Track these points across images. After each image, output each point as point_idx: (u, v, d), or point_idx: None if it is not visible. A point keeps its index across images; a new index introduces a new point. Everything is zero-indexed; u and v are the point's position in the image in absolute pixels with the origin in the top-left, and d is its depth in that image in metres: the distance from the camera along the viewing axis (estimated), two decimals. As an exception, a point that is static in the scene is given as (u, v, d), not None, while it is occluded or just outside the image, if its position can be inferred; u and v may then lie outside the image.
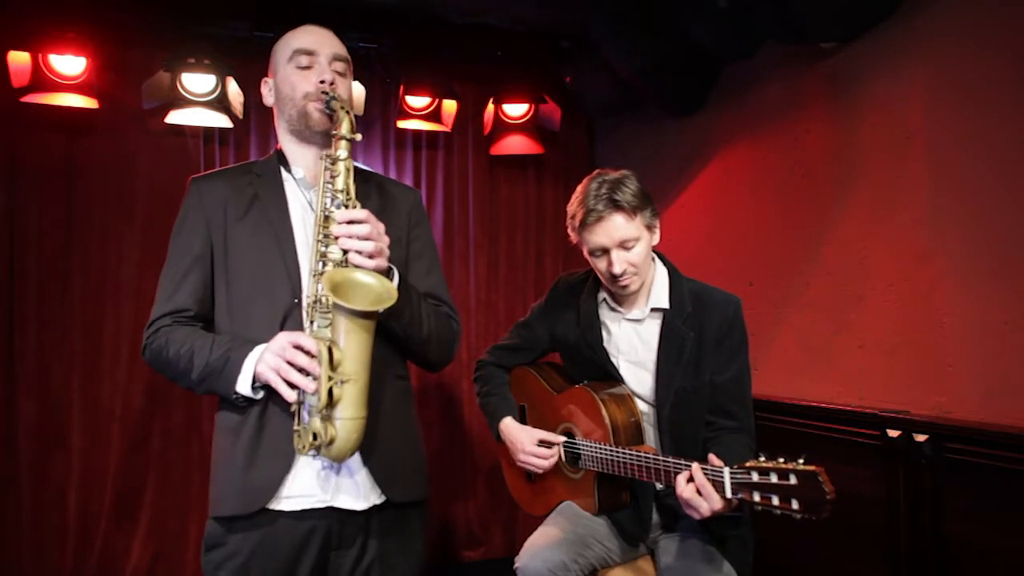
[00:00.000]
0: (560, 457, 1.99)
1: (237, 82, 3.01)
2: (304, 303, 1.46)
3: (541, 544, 1.88)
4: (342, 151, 1.44)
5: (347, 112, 1.44)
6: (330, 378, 1.30)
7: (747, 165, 2.94)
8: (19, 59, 2.79)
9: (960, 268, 2.09)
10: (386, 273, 1.44)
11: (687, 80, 3.08)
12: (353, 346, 1.33)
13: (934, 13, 2.17)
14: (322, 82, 1.50)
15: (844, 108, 2.48)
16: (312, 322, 1.40)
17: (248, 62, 3.06)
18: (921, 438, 2.11)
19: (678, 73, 3.03)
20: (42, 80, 2.82)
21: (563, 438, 1.99)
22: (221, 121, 3.01)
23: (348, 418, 1.33)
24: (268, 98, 1.61)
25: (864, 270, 2.39)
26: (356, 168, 1.59)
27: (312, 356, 1.34)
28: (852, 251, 2.44)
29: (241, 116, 3.08)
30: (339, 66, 1.55)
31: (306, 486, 1.45)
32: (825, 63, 2.54)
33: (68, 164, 3.06)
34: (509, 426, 2.07)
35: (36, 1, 2.83)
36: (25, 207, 3.00)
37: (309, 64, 1.52)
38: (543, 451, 1.97)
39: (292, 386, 1.36)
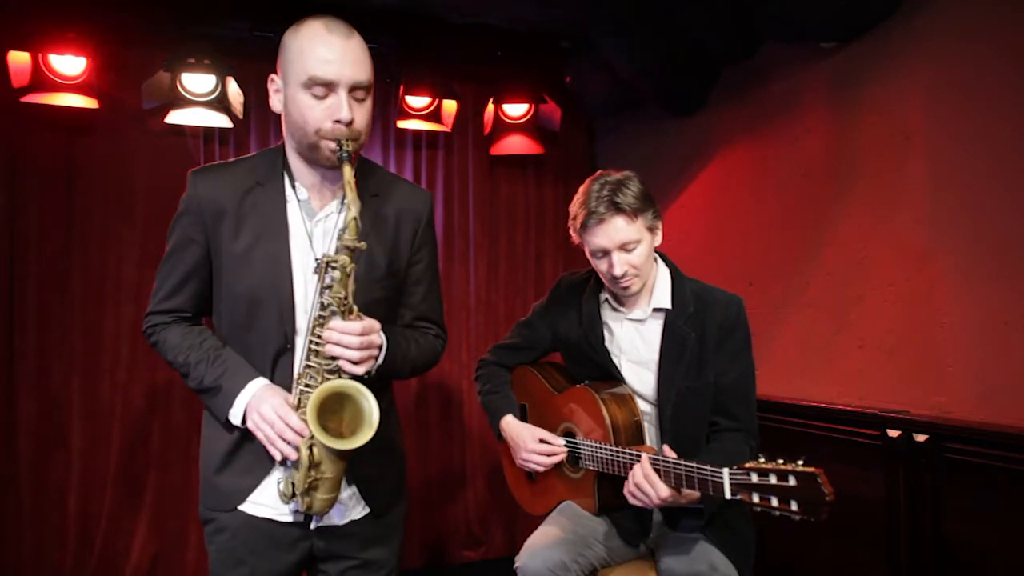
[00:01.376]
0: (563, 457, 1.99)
1: (237, 82, 3.01)
2: (297, 352, 1.46)
3: (541, 544, 1.88)
4: (344, 258, 1.36)
5: (355, 219, 1.35)
6: (309, 475, 1.37)
7: (747, 165, 2.94)
8: (19, 59, 2.79)
9: (960, 268, 2.10)
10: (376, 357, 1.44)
11: (687, 80, 3.08)
12: (333, 457, 1.39)
13: (934, 13, 2.18)
14: (337, 122, 1.37)
15: (844, 108, 2.48)
16: (300, 385, 1.41)
17: (248, 62, 3.06)
18: (921, 438, 2.11)
19: (678, 73, 3.03)
20: (42, 80, 2.81)
21: (564, 439, 1.99)
22: (221, 121, 3.00)
23: (324, 499, 1.41)
24: (275, 102, 1.46)
25: (864, 270, 2.39)
26: (366, 171, 1.56)
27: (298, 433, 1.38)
28: (852, 251, 2.44)
29: (241, 116, 3.07)
30: (359, 93, 1.41)
31: (277, 502, 1.47)
32: (825, 63, 2.54)
33: (68, 164, 3.05)
34: (511, 424, 2.07)
35: (36, 1, 2.83)
36: (25, 207, 3.00)
37: (325, 95, 1.38)
38: (544, 449, 1.97)
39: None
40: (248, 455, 1.48)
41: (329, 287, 1.38)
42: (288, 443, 1.37)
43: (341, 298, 1.36)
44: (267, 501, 1.48)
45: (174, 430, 3.17)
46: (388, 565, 1.60)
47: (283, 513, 1.48)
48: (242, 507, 1.48)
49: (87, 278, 3.09)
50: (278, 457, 1.40)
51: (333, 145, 1.38)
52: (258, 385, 1.44)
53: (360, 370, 1.38)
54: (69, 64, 2.83)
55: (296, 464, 1.38)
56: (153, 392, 3.15)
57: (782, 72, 2.73)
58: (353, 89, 1.39)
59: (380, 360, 1.44)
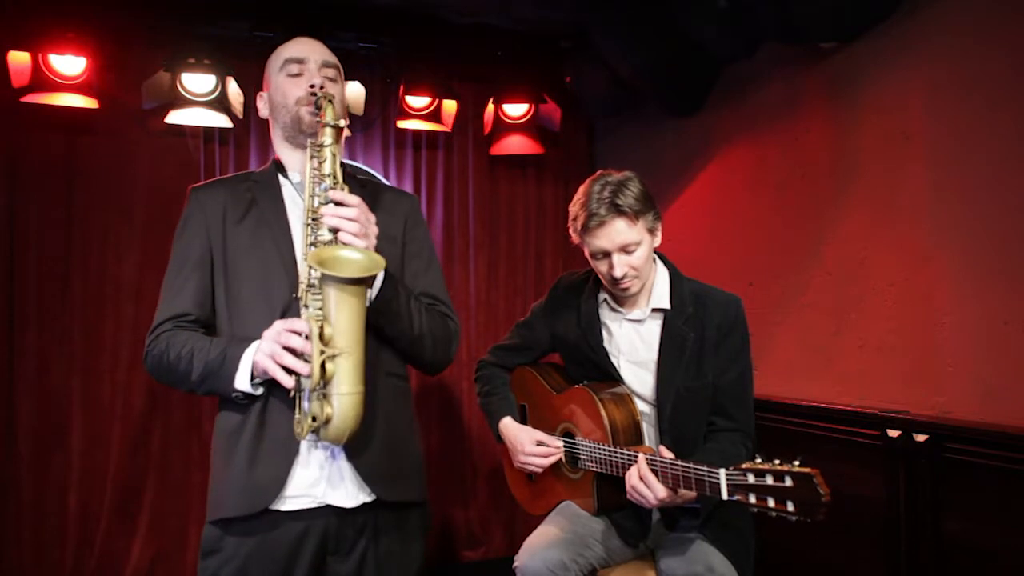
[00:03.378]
0: (560, 457, 1.99)
1: (237, 82, 3.01)
2: (300, 289, 1.45)
3: (541, 543, 1.88)
4: (327, 138, 1.45)
5: (330, 101, 1.46)
6: (322, 352, 1.30)
7: (747, 165, 2.94)
8: (19, 59, 2.79)
9: (960, 268, 2.09)
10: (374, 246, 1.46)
11: (687, 80, 3.08)
12: (344, 319, 1.33)
13: (934, 13, 2.17)
14: (312, 86, 1.53)
15: (844, 108, 2.48)
16: (306, 307, 1.40)
17: (248, 62, 3.06)
18: (921, 438, 2.11)
19: (678, 73, 3.03)
20: (42, 80, 2.81)
21: (562, 441, 1.99)
22: (221, 121, 3.01)
23: (344, 393, 1.31)
24: (263, 110, 1.65)
25: (864, 270, 2.39)
26: (352, 173, 1.60)
27: (305, 336, 1.34)
28: (852, 251, 2.44)
29: (241, 116, 3.08)
30: (329, 72, 1.59)
31: (303, 485, 1.45)
32: (825, 63, 2.54)
33: (68, 164, 3.06)
34: (509, 426, 2.07)
35: (36, 1, 2.83)
36: (25, 207, 3.00)
37: (300, 71, 1.57)
38: (541, 451, 1.97)
39: (289, 371, 1.35)
40: (275, 437, 1.44)
41: (317, 169, 1.45)
42: (297, 353, 1.33)
43: (331, 176, 1.44)
44: (300, 491, 1.44)
45: (174, 430, 3.17)
46: (411, 568, 1.57)
47: (315, 499, 1.44)
48: (275, 504, 1.43)
49: (87, 278, 3.09)
50: (288, 382, 1.34)
51: (312, 108, 1.52)
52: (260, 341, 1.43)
53: (361, 243, 1.39)
54: (69, 64, 2.83)
55: (310, 363, 1.31)
56: (153, 392, 3.15)
57: (782, 72, 2.73)
58: (323, 67, 1.58)
59: (380, 275, 1.44)
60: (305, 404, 1.37)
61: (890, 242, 2.30)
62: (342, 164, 1.48)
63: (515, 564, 1.90)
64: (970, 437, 1.99)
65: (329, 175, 1.44)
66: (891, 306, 2.30)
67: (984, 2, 2.05)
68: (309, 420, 1.33)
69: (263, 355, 1.38)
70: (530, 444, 1.98)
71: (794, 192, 2.69)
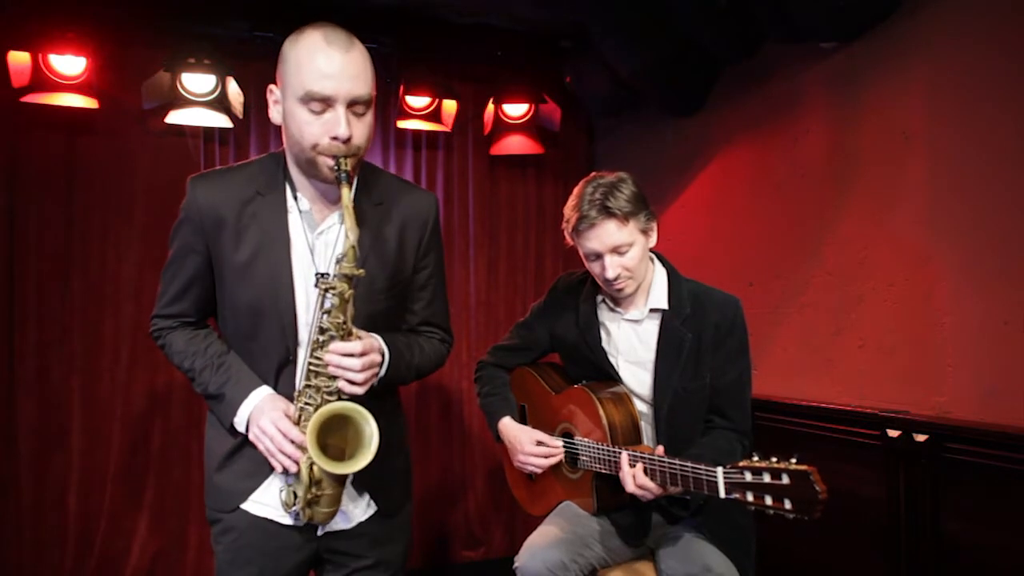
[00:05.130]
0: (561, 458, 1.99)
1: (237, 82, 3.01)
2: (299, 364, 1.46)
3: (540, 544, 1.88)
4: (344, 285, 1.34)
5: (354, 248, 1.32)
6: (308, 493, 1.38)
7: (747, 165, 2.94)
8: (19, 59, 2.79)
9: (960, 268, 2.09)
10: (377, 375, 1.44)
11: (687, 80, 3.08)
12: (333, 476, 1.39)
13: (934, 13, 2.17)
14: (335, 138, 1.34)
15: (844, 108, 2.47)
16: (300, 403, 1.42)
17: (248, 62, 3.06)
18: (921, 438, 2.11)
19: (678, 73, 3.03)
20: (42, 80, 2.81)
21: (561, 441, 1.99)
22: (221, 121, 3.01)
23: (325, 513, 1.42)
24: (275, 114, 1.42)
25: (864, 270, 2.39)
26: (370, 179, 1.54)
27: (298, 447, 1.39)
28: (852, 251, 2.44)
29: (241, 116, 3.08)
30: (359, 108, 1.37)
31: (278, 508, 1.48)
32: (825, 63, 2.54)
33: (68, 164, 3.05)
34: (508, 426, 2.07)
35: (36, 1, 2.83)
36: (25, 207, 3.00)
37: (322, 111, 1.34)
38: (541, 451, 1.97)
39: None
40: (249, 459, 1.48)
41: (328, 312, 1.37)
42: (288, 456, 1.38)
43: (340, 323, 1.36)
44: (269, 501, 1.48)
45: (174, 430, 3.17)
46: (395, 565, 1.61)
47: (284, 516, 1.49)
48: (244, 506, 1.49)
49: (87, 278, 3.09)
50: (279, 469, 1.41)
51: (331, 162, 1.35)
52: (261, 395, 1.44)
53: (361, 390, 1.38)
54: (69, 64, 2.83)
55: (298, 476, 1.39)
56: (153, 392, 3.15)
57: (782, 72, 2.73)
58: (352, 104, 1.35)
59: (383, 373, 1.45)
60: (291, 478, 1.44)
61: (890, 242, 2.30)
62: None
63: (515, 564, 1.90)
64: (970, 437, 1.99)
65: (339, 323, 1.35)
66: (891, 306, 2.30)
67: (984, 2, 2.04)
68: (292, 498, 1.40)
69: (256, 437, 1.42)
70: (530, 444, 1.98)
71: (794, 192, 2.69)
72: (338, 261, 1.34)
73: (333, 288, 1.34)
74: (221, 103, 2.97)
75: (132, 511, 3.11)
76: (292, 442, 1.38)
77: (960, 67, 2.10)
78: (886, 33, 2.31)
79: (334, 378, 1.37)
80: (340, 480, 1.40)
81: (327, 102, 1.33)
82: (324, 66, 1.32)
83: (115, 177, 3.11)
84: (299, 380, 1.44)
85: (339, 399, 1.38)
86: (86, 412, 3.07)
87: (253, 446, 1.45)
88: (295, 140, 1.38)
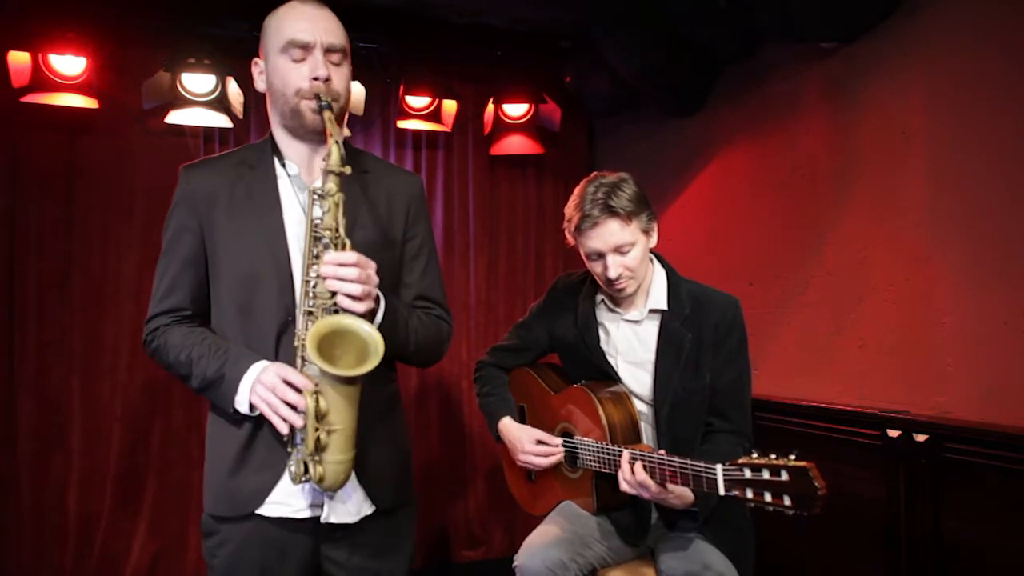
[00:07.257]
0: (561, 458, 1.99)
1: (237, 82, 3.01)
2: (298, 322, 1.42)
3: (540, 543, 1.88)
4: (331, 185, 1.36)
5: (337, 143, 1.36)
6: (316, 429, 1.32)
7: (747, 165, 2.94)
8: (19, 59, 2.78)
9: (960, 268, 2.09)
10: (375, 305, 1.41)
11: (687, 80, 3.08)
12: (340, 398, 1.34)
13: (933, 13, 2.17)
14: (315, 79, 1.41)
15: (844, 108, 2.47)
16: (303, 359, 1.39)
17: (248, 62, 3.04)
18: (921, 438, 2.11)
19: (678, 73, 3.03)
20: (42, 80, 2.81)
21: (561, 439, 1.99)
22: (221, 121, 3.00)
23: (335, 461, 1.35)
24: (259, 83, 1.52)
25: (864, 270, 2.39)
26: (356, 153, 1.56)
27: (301, 393, 1.34)
28: (852, 251, 2.44)
29: (241, 116, 3.07)
30: (335, 57, 1.46)
31: (293, 496, 1.45)
32: (825, 63, 2.54)
33: (68, 164, 3.05)
34: (508, 426, 2.07)
35: (36, 1, 2.83)
36: (25, 207, 3.00)
37: (302, 57, 1.43)
38: (541, 450, 1.97)
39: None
40: (262, 449, 1.44)
41: (320, 220, 1.37)
42: (292, 406, 1.34)
43: (333, 230, 1.35)
44: (283, 499, 1.45)
45: (174, 430, 3.17)
46: (399, 573, 1.59)
47: (299, 509, 1.45)
48: (260, 510, 1.44)
49: (87, 278, 3.08)
50: (284, 429, 1.36)
51: (313, 104, 1.42)
52: (260, 367, 1.41)
53: (360, 307, 1.35)
54: (69, 64, 2.83)
55: (304, 432, 1.33)
56: (153, 392, 3.15)
57: (782, 72, 2.73)
58: (328, 52, 1.44)
59: (381, 309, 1.42)
60: (298, 439, 1.38)
61: (890, 242, 2.30)
62: (342, 156, 1.38)
63: (515, 564, 1.90)
64: (970, 437, 1.99)
65: (331, 229, 1.36)
66: (891, 306, 2.30)
67: (984, 2, 2.05)
68: (301, 468, 1.35)
69: (259, 398, 1.38)
70: (530, 443, 1.99)
71: (794, 192, 2.69)
72: (324, 160, 1.37)
73: (322, 190, 1.36)
74: (221, 103, 2.97)
75: (132, 511, 3.11)
76: (294, 386, 1.34)
77: (960, 67, 2.10)
78: (886, 33, 2.31)
79: (333, 294, 1.34)
80: (349, 405, 1.33)
81: (306, 48, 1.43)
82: (299, 17, 1.45)
83: (115, 177, 3.11)
84: (298, 335, 1.40)
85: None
86: (86, 412, 3.07)
87: (264, 435, 1.42)
88: (279, 92, 1.46)
